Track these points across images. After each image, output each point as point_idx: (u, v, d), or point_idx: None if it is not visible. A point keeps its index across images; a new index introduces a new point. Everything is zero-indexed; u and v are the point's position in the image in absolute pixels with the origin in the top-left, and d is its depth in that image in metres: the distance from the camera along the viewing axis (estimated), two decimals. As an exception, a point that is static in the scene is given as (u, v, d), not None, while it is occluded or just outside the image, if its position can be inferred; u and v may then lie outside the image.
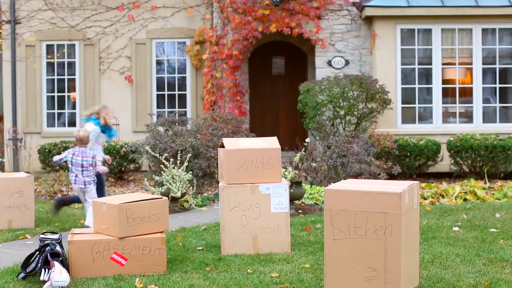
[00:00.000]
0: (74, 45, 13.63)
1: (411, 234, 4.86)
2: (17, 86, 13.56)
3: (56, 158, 7.64)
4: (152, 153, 9.61)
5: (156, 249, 5.55)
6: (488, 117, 12.21)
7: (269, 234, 6.18)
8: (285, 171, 8.35)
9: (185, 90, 13.61)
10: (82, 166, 7.46)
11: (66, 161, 7.59)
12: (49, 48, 13.69)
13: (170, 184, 8.92)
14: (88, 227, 7.35)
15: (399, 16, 12.03)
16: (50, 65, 13.71)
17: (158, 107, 13.58)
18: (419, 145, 11.30)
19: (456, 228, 7.25)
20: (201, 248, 6.47)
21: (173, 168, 9.08)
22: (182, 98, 13.64)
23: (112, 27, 13.52)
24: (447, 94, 12.23)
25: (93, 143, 7.99)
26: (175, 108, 13.51)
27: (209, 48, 12.75)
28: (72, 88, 13.70)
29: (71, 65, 13.66)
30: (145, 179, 9.31)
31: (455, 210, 8.43)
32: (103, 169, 7.93)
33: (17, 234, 7.46)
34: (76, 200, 7.97)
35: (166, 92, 13.62)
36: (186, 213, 8.99)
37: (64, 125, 13.70)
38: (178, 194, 8.90)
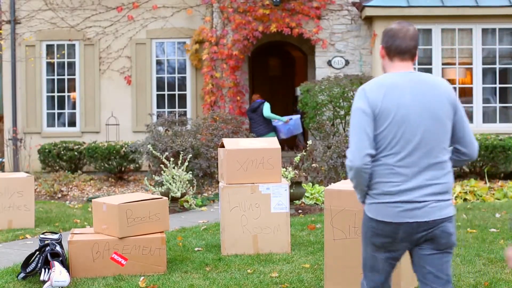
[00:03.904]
0: (74, 45, 13.62)
1: (411, 234, 4.86)
2: (17, 86, 13.55)
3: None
4: (154, 152, 9.61)
5: (156, 249, 5.55)
6: (488, 117, 12.21)
7: (269, 234, 6.18)
8: (285, 171, 8.35)
9: (185, 90, 13.60)
10: None
11: None
12: (49, 48, 13.68)
13: (170, 184, 8.92)
14: None
15: (399, 16, 12.01)
16: (50, 65, 13.70)
17: (158, 107, 13.57)
18: (419, 145, 11.28)
19: (456, 228, 7.25)
20: (201, 248, 6.47)
21: (173, 168, 9.08)
22: (182, 98, 13.63)
23: (112, 27, 13.52)
24: (447, 94, 12.21)
25: None
26: (175, 108, 13.50)
27: (209, 48, 12.73)
28: (72, 88, 13.69)
29: (71, 65, 13.66)
30: (145, 179, 9.31)
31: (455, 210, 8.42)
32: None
33: (17, 234, 7.46)
34: None
35: (166, 92, 13.61)
36: (186, 213, 8.98)
37: (64, 125, 13.70)
38: (178, 194, 8.90)
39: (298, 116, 12.05)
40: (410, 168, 3.13)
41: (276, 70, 16.20)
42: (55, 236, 5.60)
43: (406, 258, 4.72)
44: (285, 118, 11.99)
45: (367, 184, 3.23)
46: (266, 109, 11.91)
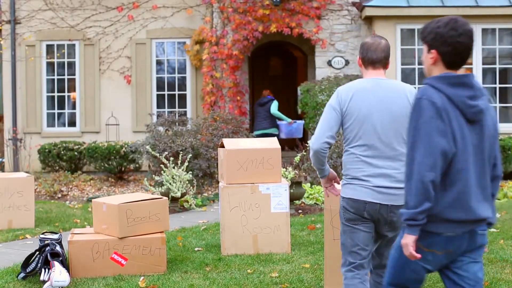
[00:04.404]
0: (74, 45, 13.62)
1: (411, 234, 4.85)
2: (17, 86, 13.55)
3: None
4: (153, 152, 9.61)
5: (156, 249, 5.55)
6: (488, 117, 12.19)
7: (269, 234, 6.19)
8: (285, 171, 8.35)
9: (185, 90, 13.61)
10: None
11: None
12: (49, 48, 13.68)
13: (170, 184, 8.92)
14: None
15: (399, 16, 12.03)
16: (50, 65, 13.70)
17: (158, 107, 13.57)
18: (419, 145, 11.28)
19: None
20: (201, 248, 6.47)
21: (173, 168, 9.08)
22: (182, 98, 13.63)
23: (112, 27, 13.52)
24: (447, 94, 12.22)
25: None
26: (175, 108, 13.50)
27: (209, 48, 12.73)
28: (72, 88, 13.69)
29: (71, 65, 13.66)
30: (145, 179, 9.31)
31: (455, 210, 8.42)
32: None
33: (17, 234, 7.46)
34: None
35: (166, 92, 13.61)
36: (186, 213, 8.99)
37: (64, 125, 13.70)
38: (178, 194, 8.90)
39: (302, 121, 12.41)
40: (373, 158, 3.69)
41: (277, 70, 16.20)
42: (55, 236, 5.60)
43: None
44: (290, 119, 12.46)
45: (323, 165, 3.85)
46: (274, 106, 12.30)
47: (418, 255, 2.85)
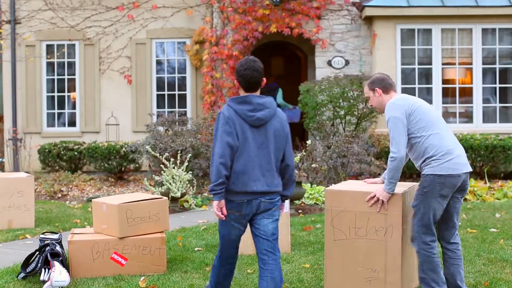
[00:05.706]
0: (74, 45, 13.62)
1: (411, 234, 4.86)
2: (17, 86, 13.55)
3: None
4: (153, 152, 9.61)
5: (156, 249, 5.56)
6: (488, 117, 12.21)
7: (269, 234, 6.17)
8: (285, 171, 8.34)
9: (185, 90, 13.60)
10: None
11: None
12: (49, 48, 13.67)
13: (170, 184, 8.92)
14: None
15: (399, 16, 12.03)
16: (50, 65, 13.69)
17: (158, 107, 13.57)
18: (419, 145, 11.27)
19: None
20: (201, 248, 6.47)
21: (173, 168, 9.08)
22: (182, 98, 13.63)
23: (112, 27, 13.51)
24: (447, 94, 12.23)
25: None
26: (175, 108, 13.49)
27: (209, 48, 12.73)
28: (72, 88, 13.69)
29: (71, 65, 13.65)
30: (145, 179, 9.31)
31: (455, 210, 8.42)
32: None
33: (17, 234, 7.46)
34: None
35: (166, 92, 13.61)
36: (186, 213, 8.99)
37: (64, 125, 13.69)
38: (178, 194, 8.90)
39: (299, 109, 13.29)
40: (447, 134, 4.65)
41: (279, 70, 16.17)
42: (55, 236, 5.60)
43: (407, 259, 4.71)
44: (291, 105, 13.66)
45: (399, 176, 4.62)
46: (280, 96, 13.38)
47: (223, 216, 4.10)
